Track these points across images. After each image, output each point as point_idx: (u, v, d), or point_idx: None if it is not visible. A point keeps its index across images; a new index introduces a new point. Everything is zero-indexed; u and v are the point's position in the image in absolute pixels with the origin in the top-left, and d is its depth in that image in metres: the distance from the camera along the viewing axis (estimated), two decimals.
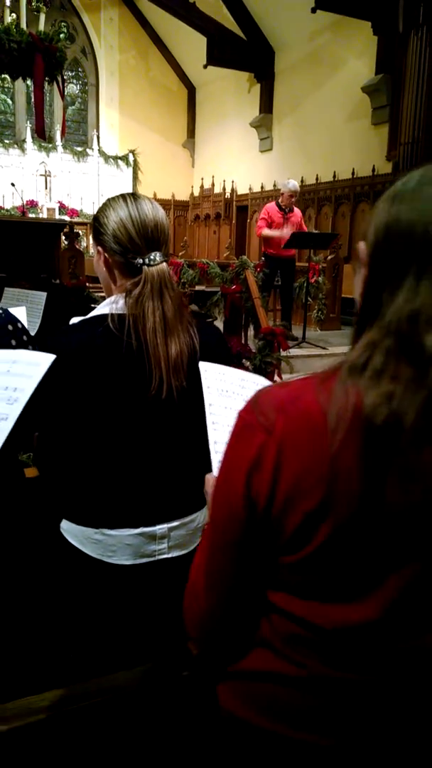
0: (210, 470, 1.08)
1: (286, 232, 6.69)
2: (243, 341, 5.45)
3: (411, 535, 0.70)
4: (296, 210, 7.11)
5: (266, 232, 6.88)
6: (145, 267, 1.34)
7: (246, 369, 4.76)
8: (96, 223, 1.41)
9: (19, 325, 1.50)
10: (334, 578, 0.74)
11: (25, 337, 1.48)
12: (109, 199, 1.42)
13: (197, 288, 5.49)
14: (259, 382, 1.23)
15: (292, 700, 0.78)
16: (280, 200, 6.97)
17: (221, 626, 0.85)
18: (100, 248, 1.40)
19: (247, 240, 12.57)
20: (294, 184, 7.02)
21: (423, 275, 0.70)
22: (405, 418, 0.67)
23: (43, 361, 1.08)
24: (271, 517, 0.75)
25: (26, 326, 1.53)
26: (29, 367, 1.09)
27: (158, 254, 1.36)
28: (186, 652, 1.05)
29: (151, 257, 1.35)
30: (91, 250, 10.48)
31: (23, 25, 4.71)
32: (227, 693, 0.85)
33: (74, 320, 1.39)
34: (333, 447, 0.70)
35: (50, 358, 1.09)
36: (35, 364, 1.09)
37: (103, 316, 1.33)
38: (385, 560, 0.71)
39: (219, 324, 5.56)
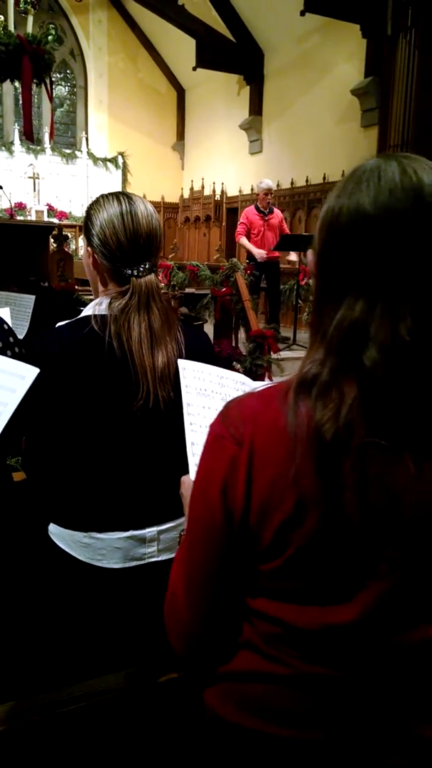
0: (187, 472, 1.08)
1: (261, 253, 6.73)
2: (233, 344, 5.44)
3: (378, 544, 0.72)
4: (276, 211, 7.16)
5: (243, 242, 6.94)
6: (134, 278, 1.32)
7: (236, 372, 4.75)
8: (88, 221, 1.36)
9: (5, 327, 1.48)
10: (312, 583, 0.75)
11: (11, 339, 1.46)
12: (103, 198, 1.36)
13: (187, 291, 5.48)
14: (239, 379, 1.22)
15: (281, 698, 0.79)
16: (257, 202, 7.03)
17: (205, 634, 0.86)
18: (89, 249, 1.37)
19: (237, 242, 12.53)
20: (267, 182, 7.08)
21: (361, 290, 0.71)
22: (352, 435, 0.69)
23: (28, 374, 1.07)
24: (249, 527, 0.76)
25: (12, 328, 1.52)
26: (14, 380, 1.08)
27: (148, 264, 1.32)
28: (173, 654, 1.05)
29: (140, 268, 1.32)
30: (80, 252, 10.43)
31: (11, 27, 4.69)
32: (215, 696, 0.86)
33: (60, 324, 1.37)
34: (294, 463, 0.72)
35: (35, 371, 1.08)
36: (20, 377, 1.08)
37: (88, 318, 1.32)
38: (360, 566, 0.73)
39: (209, 327, 5.56)
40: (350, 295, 0.72)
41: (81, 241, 10.30)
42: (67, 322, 1.36)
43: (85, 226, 1.37)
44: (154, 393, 1.30)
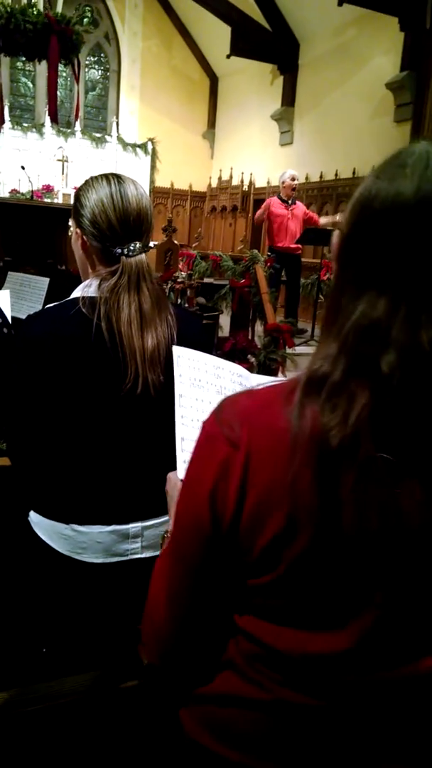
0: (175, 468, 1.02)
1: (293, 213, 6.70)
2: (250, 336, 5.38)
3: (376, 567, 0.64)
4: (299, 204, 7.15)
5: (260, 211, 6.95)
6: (123, 257, 1.29)
7: (250, 365, 4.68)
8: (77, 203, 1.34)
9: None
10: (302, 605, 0.68)
11: None
12: (92, 179, 1.34)
13: (205, 280, 5.42)
14: (236, 371, 1.16)
15: (255, 725, 0.73)
16: (281, 192, 7.02)
17: (181, 644, 0.79)
18: (78, 230, 1.34)
19: (262, 234, 12.44)
20: (289, 172, 7.06)
21: (386, 287, 0.64)
22: (358, 446, 0.62)
23: None
24: (239, 536, 0.70)
25: (7, 309, 1.48)
26: None
27: (138, 244, 1.30)
28: (137, 659, 1.00)
29: (131, 247, 1.29)
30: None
31: (41, 7, 4.66)
32: (190, 718, 0.80)
33: (49, 306, 1.33)
34: (292, 469, 0.65)
35: None
36: None
37: (76, 300, 1.28)
38: (355, 592, 0.66)
39: (226, 318, 5.50)
40: (373, 290, 0.64)
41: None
42: (55, 304, 1.32)
43: (74, 208, 1.35)
44: (143, 376, 1.26)
